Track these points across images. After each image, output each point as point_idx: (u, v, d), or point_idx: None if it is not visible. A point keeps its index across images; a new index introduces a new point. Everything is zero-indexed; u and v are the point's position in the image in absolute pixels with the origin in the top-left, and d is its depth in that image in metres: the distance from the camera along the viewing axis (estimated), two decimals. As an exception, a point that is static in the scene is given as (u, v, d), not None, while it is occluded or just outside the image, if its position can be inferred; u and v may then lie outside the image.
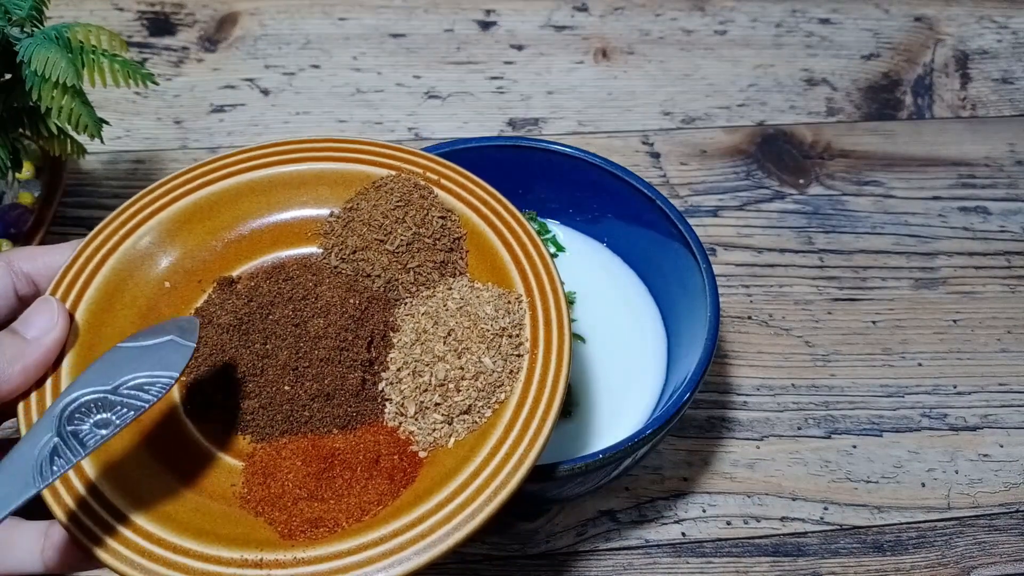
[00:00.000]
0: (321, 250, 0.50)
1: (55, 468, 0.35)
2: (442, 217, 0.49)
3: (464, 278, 0.48)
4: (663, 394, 0.57)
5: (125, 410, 0.37)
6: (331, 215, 0.51)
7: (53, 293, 0.45)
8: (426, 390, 0.43)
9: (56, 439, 0.36)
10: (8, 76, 0.57)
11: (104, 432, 0.36)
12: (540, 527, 0.59)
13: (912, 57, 0.89)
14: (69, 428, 0.36)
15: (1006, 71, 0.88)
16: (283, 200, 0.51)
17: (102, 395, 0.37)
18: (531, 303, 0.46)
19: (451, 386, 0.43)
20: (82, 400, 0.37)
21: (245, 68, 0.83)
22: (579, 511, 0.59)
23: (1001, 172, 0.80)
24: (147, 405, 0.37)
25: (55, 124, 0.58)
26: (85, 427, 0.36)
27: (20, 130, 0.59)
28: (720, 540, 0.59)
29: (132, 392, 0.37)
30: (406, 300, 0.48)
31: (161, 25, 0.86)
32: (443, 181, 0.50)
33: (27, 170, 0.67)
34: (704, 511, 0.60)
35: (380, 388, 0.45)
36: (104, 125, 0.57)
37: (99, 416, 0.37)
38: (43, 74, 0.51)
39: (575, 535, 0.58)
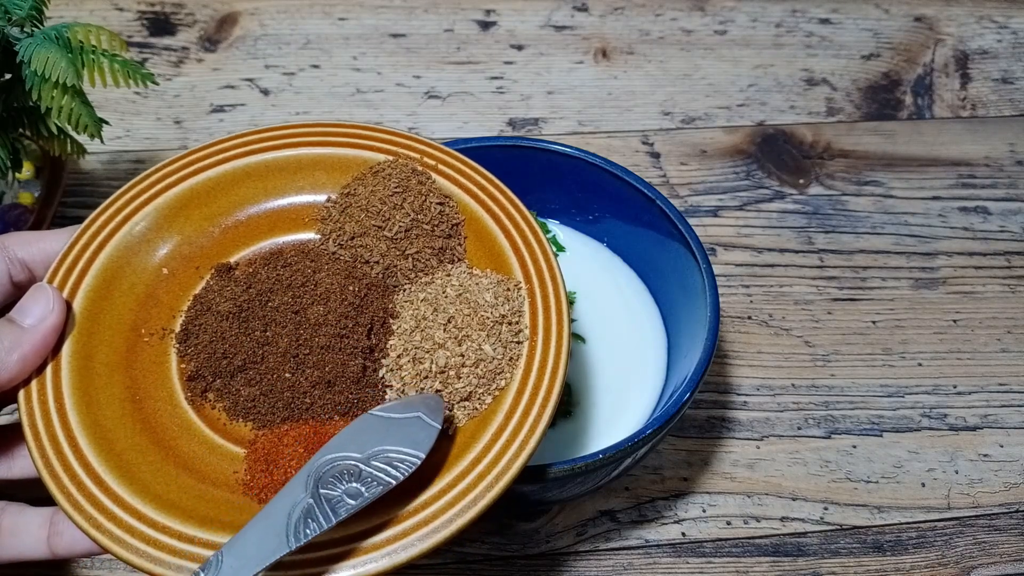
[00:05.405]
0: (319, 236, 0.50)
1: (308, 531, 0.36)
2: (440, 203, 0.49)
3: (463, 264, 0.48)
4: (663, 394, 0.57)
5: (375, 484, 0.38)
6: (328, 201, 0.51)
7: (50, 280, 0.45)
8: (426, 377, 0.43)
9: (310, 500, 0.37)
10: (8, 76, 0.57)
11: (353, 503, 0.37)
12: (540, 527, 0.59)
13: (912, 57, 0.89)
14: (322, 491, 0.37)
15: (1006, 71, 0.88)
16: (280, 186, 0.51)
17: (354, 463, 0.38)
18: (530, 290, 0.46)
19: (451, 373, 0.43)
20: (337, 464, 0.38)
21: (245, 68, 0.83)
22: (579, 511, 0.59)
23: (1001, 172, 0.80)
24: (395, 482, 0.38)
25: (55, 124, 0.58)
26: (336, 493, 0.37)
27: (20, 130, 0.59)
28: (720, 540, 0.59)
29: (382, 466, 0.38)
30: (404, 287, 0.48)
31: (161, 25, 0.86)
32: (441, 167, 0.50)
33: (27, 170, 0.67)
34: (704, 511, 0.60)
35: (380, 375, 0.45)
36: (104, 125, 0.57)
37: (350, 485, 0.38)
38: (43, 74, 0.51)
39: (575, 535, 0.58)
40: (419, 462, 0.39)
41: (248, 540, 0.36)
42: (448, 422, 0.42)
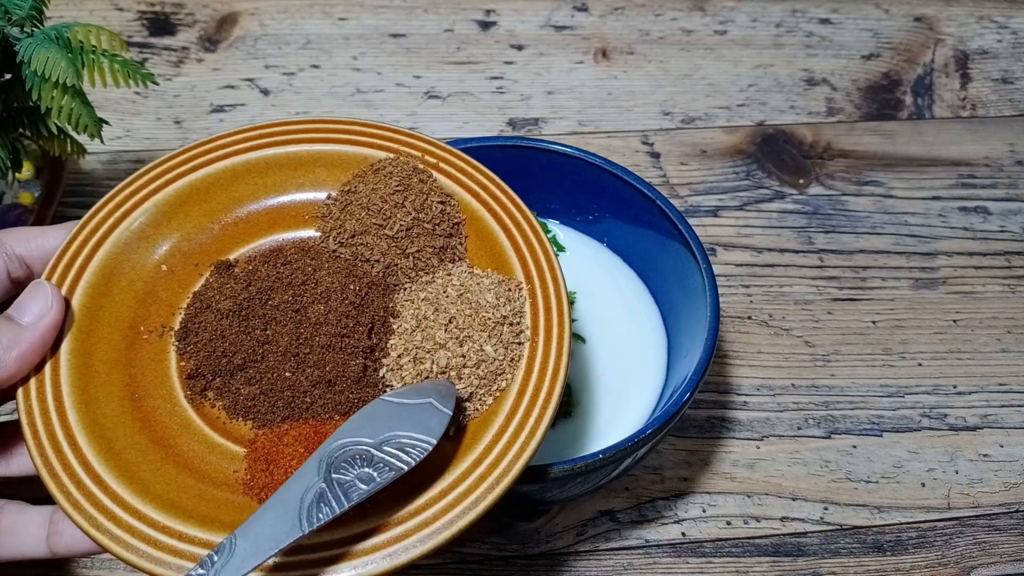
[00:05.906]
0: (319, 234, 0.50)
1: (320, 515, 0.36)
2: (441, 202, 0.49)
3: (463, 264, 0.48)
4: (663, 394, 0.57)
5: (387, 469, 0.38)
6: (328, 198, 0.50)
7: (49, 277, 0.45)
8: (427, 377, 0.43)
9: (323, 484, 0.37)
10: (8, 76, 0.57)
11: (365, 488, 0.37)
12: (540, 527, 0.59)
13: (912, 57, 0.89)
14: (334, 475, 0.37)
15: (1006, 71, 0.88)
16: (280, 182, 0.51)
17: (366, 448, 0.39)
18: (531, 290, 0.46)
19: (452, 374, 0.43)
20: (349, 449, 0.38)
21: (245, 68, 0.83)
22: (579, 511, 0.59)
23: (1001, 172, 0.80)
24: (406, 468, 0.38)
25: (55, 124, 0.58)
26: (348, 477, 0.37)
27: (20, 130, 0.59)
28: (720, 540, 0.59)
29: (394, 451, 0.38)
30: (405, 286, 0.47)
31: (161, 25, 0.86)
32: (442, 165, 0.50)
33: (27, 170, 0.67)
34: (704, 511, 0.60)
35: (381, 375, 0.45)
36: (104, 125, 0.57)
37: (362, 470, 0.38)
38: (43, 74, 0.51)
39: (575, 535, 0.58)
40: (431, 448, 0.39)
41: (261, 524, 0.36)
42: (460, 410, 0.42)
